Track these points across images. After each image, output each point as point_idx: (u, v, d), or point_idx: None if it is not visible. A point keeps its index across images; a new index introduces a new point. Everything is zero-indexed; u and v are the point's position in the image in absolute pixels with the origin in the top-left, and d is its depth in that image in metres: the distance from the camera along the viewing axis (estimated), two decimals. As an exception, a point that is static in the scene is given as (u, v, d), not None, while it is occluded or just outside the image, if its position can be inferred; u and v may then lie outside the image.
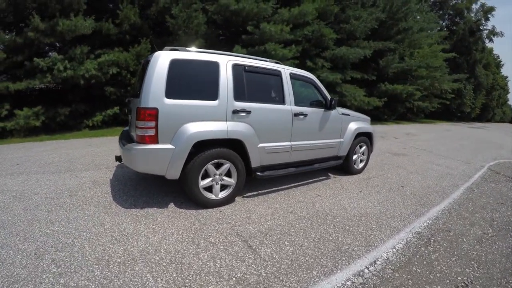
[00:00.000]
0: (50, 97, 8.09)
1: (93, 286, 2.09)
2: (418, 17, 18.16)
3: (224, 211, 3.36)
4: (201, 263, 2.44)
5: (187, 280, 2.23)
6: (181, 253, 2.55)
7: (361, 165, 5.32)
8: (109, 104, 8.62)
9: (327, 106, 4.38)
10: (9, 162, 5.07)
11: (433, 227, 3.32)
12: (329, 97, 4.44)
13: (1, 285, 2.10)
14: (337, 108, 4.61)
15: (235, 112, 3.35)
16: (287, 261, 2.51)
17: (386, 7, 15.01)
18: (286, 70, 3.98)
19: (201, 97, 3.20)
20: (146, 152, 3.03)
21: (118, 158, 3.75)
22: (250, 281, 2.25)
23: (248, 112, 3.44)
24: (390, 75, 15.73)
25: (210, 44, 9.62)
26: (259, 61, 3.83)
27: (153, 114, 2.95)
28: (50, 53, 8.04)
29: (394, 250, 2.80)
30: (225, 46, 9.97)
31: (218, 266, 2.41)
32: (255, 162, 3.60)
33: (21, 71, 7.13)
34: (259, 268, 2.41)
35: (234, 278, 2.27)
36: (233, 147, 3.41)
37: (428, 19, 19.21)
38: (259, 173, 3.68)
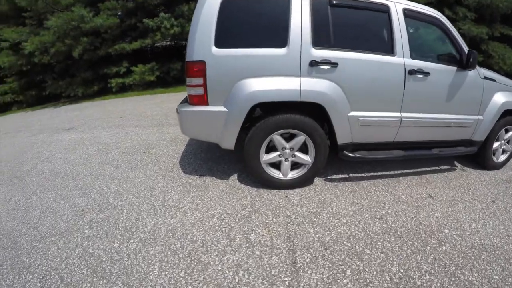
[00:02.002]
0: (169, 54, 8.87)
1: (104, 258, 2.01)
2: None
3: (290, 197, 2.61)
4: (219, 268, 1.87)
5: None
6: (206, 246, 2.05)
7: (502, 157, 3.40)
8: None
9: (462, 63, 2.76)
10: (116, 114, 5.84)
11: None
12: (466, 49, 2.78)
13: (43, 234, 2.32)
14: (477, 68, 2.88)
15: (314, 64, 2.38)
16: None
17: None
18: (397, 5, 2.59)
19: (263, 44, 2.39)
20: (192, 115, 2.55)
21: None
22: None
23: (334, 64, 2.40)
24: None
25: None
26: None
27: (201, 68, 2.38)
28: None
29: None
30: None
31: (236, 281, 1.78)
32: (343, 137, 2.61)
33: (136, 32, 8.12)
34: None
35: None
36: (312, 114, 2.53)
37: None
38: (348, 153, 2.68)
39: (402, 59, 2.58)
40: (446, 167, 3.33)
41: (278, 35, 2.38)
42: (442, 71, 2.75)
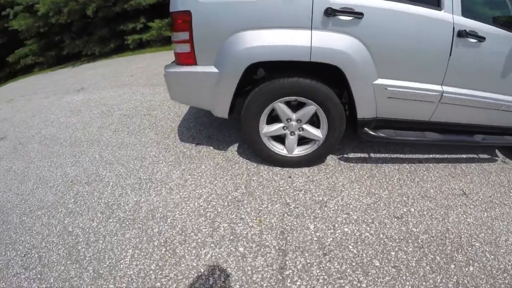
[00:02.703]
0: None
1: (81, 239, 1.89)
2: None
3: (294, 179, 2.23)
4: (194, 264, 1.62)
5: (158, 285, 1.55)
6: (185, 235, 1.81)
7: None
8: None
9: None
10: (128, 72, 5.60)
11: None
12: None
13: (32, 207, 2.26)
14: None
15: (330, 12, 1.80)
16: None
17: None
18: None
19: None
20: (178, 77, 2.16)
21: None
22: None
23: (358, 14, 1.80)
24: None
25: None
26: None
27: (186, 20, 1.93)
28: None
29: None
30: None
31: (210, 283, 1.52)
32: (364, 111, 2.08)
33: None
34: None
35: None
36: (327, 79, 2.03)
37: None
38: (369, 131, 2.16)
39: (450, 15, 1.90)
40: (485, 156, 2.68)
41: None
42: (500, 37, 2.04)
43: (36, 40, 8.96)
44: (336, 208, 1.94)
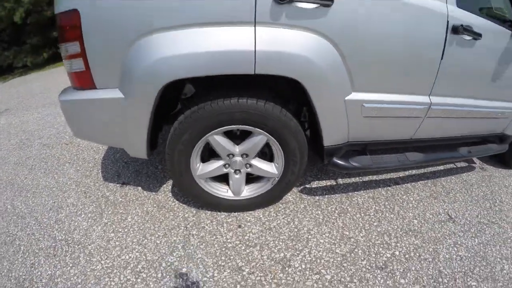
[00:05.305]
0: None
1: None
2: None
3: (246, 228, 1.67)
4: None
5: None
6: None
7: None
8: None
9: None
10: (56, 88, 4.36)
11: None
12: None
13: None
14: None
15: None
16: None
17: None
18: None
19: None
20: (73, 106, 1.48)
21: None
22: None
23: (326, 0, 1.25)
24: None
25: None
26: None
27: (74, 24, 1.26)
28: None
29: None
30: None
31: None
32: (333, 136, 1.55)
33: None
34: None
35: None
36: (279, 94, 1.50)
37: None
38: (340, 161, 1.64)
39: (444, 4, 1.43)
40: (463, 164, 2.36)
41: None
42: (496, 34, 1.63)
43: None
44: (303, 267, 1.43)
